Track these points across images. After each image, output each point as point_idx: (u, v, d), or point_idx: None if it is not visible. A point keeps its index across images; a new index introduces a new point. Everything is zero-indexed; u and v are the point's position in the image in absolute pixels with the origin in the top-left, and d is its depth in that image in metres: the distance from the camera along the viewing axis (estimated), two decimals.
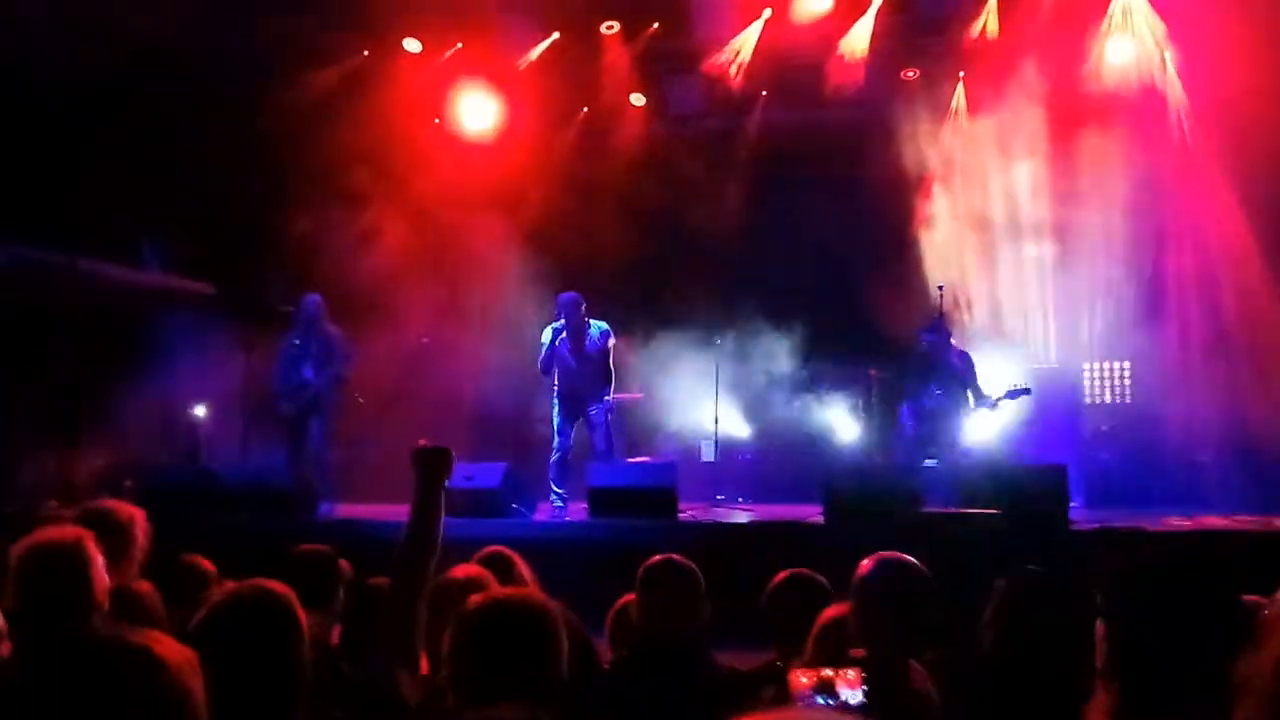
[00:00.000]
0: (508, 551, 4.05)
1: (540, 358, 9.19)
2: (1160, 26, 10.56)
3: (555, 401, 9.41)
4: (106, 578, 3.04)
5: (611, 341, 9.34)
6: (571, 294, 9.22)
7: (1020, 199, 11.02)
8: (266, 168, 10.83)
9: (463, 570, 3.54)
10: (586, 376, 9.24)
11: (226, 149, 10.52)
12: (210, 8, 10.43)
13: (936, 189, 11.60)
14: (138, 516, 3.85)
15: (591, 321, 9.28)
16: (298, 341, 9.83)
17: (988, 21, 10.80)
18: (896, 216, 11.26)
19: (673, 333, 11.34)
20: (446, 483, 3.19)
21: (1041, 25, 10.62)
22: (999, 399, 9.47)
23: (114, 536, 3.53)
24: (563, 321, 9.08)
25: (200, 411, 11.54)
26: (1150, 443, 9.86)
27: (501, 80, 12.23)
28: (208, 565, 4.23)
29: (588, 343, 9.23)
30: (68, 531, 3.06)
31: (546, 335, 9.17)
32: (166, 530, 4.10)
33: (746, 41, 11.29)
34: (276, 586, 2.62)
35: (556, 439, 9.35)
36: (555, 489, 9.22)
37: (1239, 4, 9.31)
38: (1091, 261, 10.40)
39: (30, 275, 10.53)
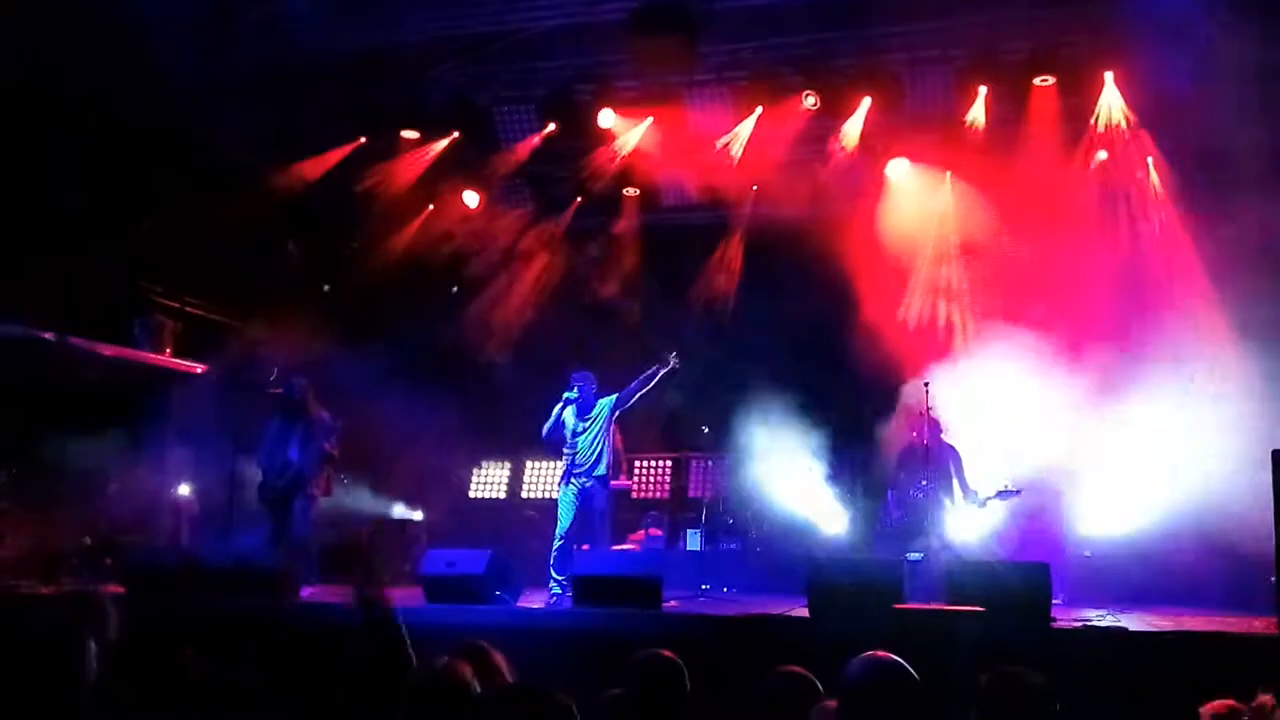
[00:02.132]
0: (483, 644, 4.01)
1: (547, 426, 9.32)
2: (1133, 118, 10.75)
3: (560, 485, 9.45)
4: (95, 664, 3.04)
5: (613, 413, 9.39)
6: (585, 371, 9.44)
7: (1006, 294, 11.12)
8: (261, 250, 10.92)
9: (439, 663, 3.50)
10: (588, 453, 9.30)
11: (222, 231, 10.60)
12: (209, 92, 10.61)
13: (926, 279, 11.78)
14: (112, 600, 3.82)
15: (600, 400, 9.39)
16: (284, 423, 9.86)
17: (976, 120, 10.99)
18: (886, 308, 11.38)
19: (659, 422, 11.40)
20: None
21: (1028, 125, 10.84)
22: (988, 498, 9.49)
23: (90, 617, 3.50)
24: (575, 393, 9.25)
25: (185, 491, 11.49)
26: (1136, 541, 9.82)
27: (494, 170, 12.37)
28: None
29: (592, 420, 9.33)
30: (59, 616, 3.05)
31: (558, 407, 9.31)
32: (148, 611, 4.08)
33: (738, 137, 11.46)
34: None
35: (559, 524, 9.30)
36: (555, 576, 9.10)
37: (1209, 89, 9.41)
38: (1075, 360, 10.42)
39: (20, 351, 10.54)
